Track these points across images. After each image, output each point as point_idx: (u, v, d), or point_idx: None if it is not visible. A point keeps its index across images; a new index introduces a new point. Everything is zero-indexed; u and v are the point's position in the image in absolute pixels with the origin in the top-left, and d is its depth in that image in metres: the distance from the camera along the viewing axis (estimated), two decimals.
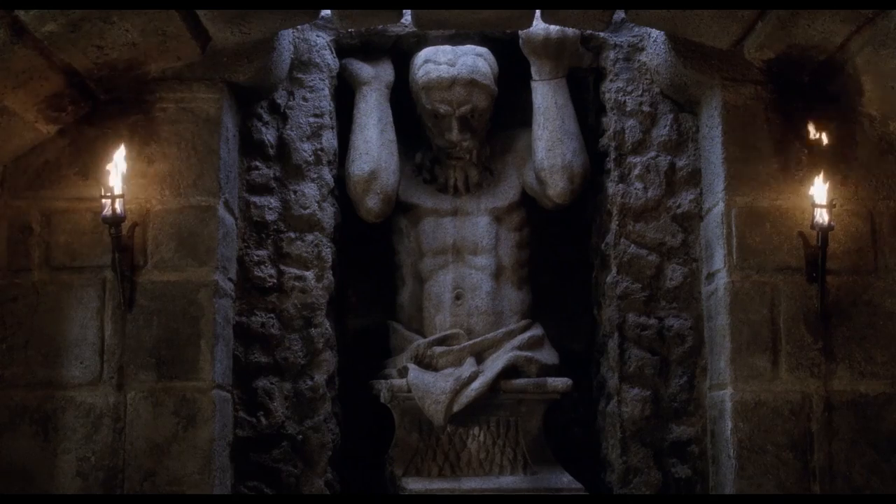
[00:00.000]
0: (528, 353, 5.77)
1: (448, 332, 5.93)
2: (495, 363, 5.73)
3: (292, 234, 5.44)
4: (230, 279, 5.21)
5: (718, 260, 5.14)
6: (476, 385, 5.63)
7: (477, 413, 5.72)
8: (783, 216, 5.09)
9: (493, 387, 5.66)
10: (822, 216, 4.90)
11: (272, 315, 5.37)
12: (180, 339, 4.89)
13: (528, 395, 5.74)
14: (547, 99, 5.86)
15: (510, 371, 5.72)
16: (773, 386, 4.98)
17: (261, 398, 5.29)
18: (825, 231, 4.91)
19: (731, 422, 4.96)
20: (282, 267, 5.41)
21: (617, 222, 5.49)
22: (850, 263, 5.08)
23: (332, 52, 5.68)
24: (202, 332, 4.90)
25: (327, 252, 5.46)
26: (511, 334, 5.88)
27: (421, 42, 5.87)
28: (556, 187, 5.81)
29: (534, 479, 5.65)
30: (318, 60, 5.61)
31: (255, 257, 5.40)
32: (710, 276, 5.27)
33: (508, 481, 5.64)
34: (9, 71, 4.42)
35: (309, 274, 5.41)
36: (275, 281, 5.39)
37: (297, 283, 5.40)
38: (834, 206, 4.93)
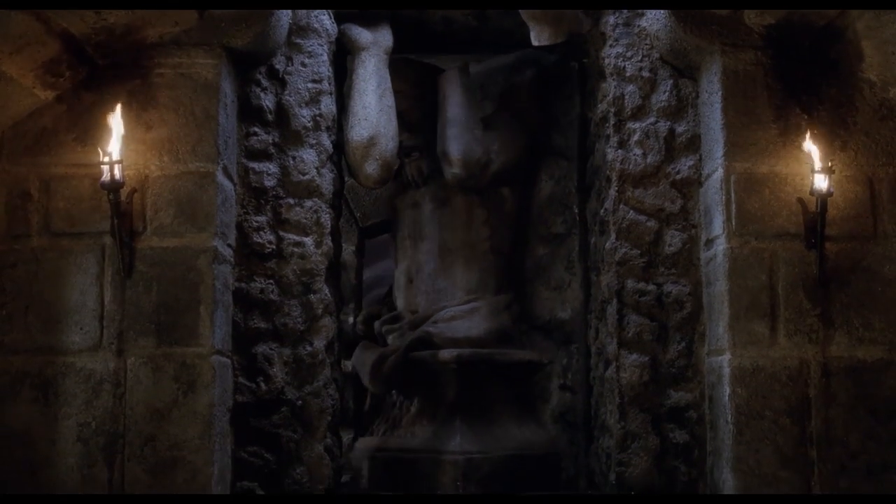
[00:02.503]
0: (433, 328, 6.39)
1: (397, 311, 6.74)
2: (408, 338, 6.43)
3: (291, 200, 5.44)
4: (229, 245, 5.21)
5: (717, 226, 5.14)
6: (391, 359, 6.32)
7: (417, 381, 6.40)
8: (782, 182, 5.08)
9: (405, 358, 6.31)
10: (821, 182, 4.89)
11: (271, 281, 5.37)
12: (180, 305, 4.89)
13: (432, 366, 6.31)
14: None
15: (418, 344, 6.35)
16: (772, 352, 5.00)
17: (260, 364, 5.31)
18: (824, 197, 4.91)
19: (729, 387, 4.98)
20: (281, 233, 5.41)
21: (616, 188, 5.48)
22: (849, 230, 5.08)
23: (330, 18, 5.66)
24: (201, 297, 4.90)
25: (326, 218, 5.46)
26: (442, 310, 6.53)
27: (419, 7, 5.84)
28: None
29: (434, 440, 6.17)
30: (316, 26, 5.58)
31: (254, 223, 5.40)
32: (709, 242, 5.27)
33: (415, 441, 6.25)
34: (6, 36, 4.40)
35: (308, 240, 5.41)
36: (274, 247, 5.39)
37: (296, 249, 5.40)
38: (833, 172, 4.92)
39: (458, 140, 6.38)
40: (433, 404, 6.43)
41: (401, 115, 6.21)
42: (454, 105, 6.45)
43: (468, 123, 6.43)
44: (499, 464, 6.13)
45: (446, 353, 6.25)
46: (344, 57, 6.01)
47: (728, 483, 4.95)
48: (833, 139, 5.04)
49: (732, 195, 5.07)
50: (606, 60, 5.59)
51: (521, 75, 6.73)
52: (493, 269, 6.63)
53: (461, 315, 6.53)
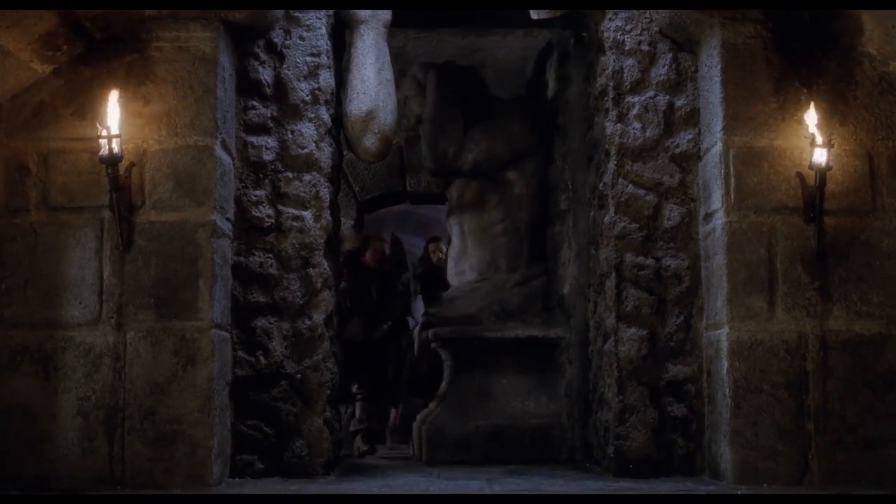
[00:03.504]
0: (435, 310, 7.10)
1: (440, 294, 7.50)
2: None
3: (290, 174, 5.43)
4: (228, 219, 5.21)
5: (716, 200, 5.14)
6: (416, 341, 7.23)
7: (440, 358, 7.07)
8: (781, 156, 5.08)
9: (420, 339, 7.26)
10: (820, 156, 4.89)
11: (270, 255, 5.37)
12: (179, 279, 4.90)
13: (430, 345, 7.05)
14: None
15: (425, 325, 7.14)
16: (770, 326, 5.01)
17: (259, 338, 5.31)
18: (823, 171, 4.90)
19: (727, 361, 4.99)
20: (279, 207, 5.40)
21: (615, 162, 5.47)
22: (848, 204, 5.08)
23: None
24: (200, 272, 4.90)
25: (325, 192, 5.45)
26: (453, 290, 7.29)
27: None
28: None
29: (437, 411, 6.77)
30: None
31: (253, 197, 5.39)
32: (708, 217, 5.27)
33: (433, 413, 6.81)
34: (2, 9, 4.38)
35: (307, 214, 5.41)
36: (273, 221, 5.39)
37: (294, 223, 5.40)
38: (832, 146, 4.91)
39: (426, 137, 6.99)
40: (450, 379, 6.89)
41: (418, 119, 6.90)
42: (429, 104, 7.02)
43: (437, 120, 6.98)
44: (475, 434, 6.52)
45: (430, 333, 6.88)
46: (342, 30, 5.98)
47: (726, 456, 4.97)
48: (832, 113, 5.02)
49: (731, 169, 5.07)
50: (605, 34, 5.57)
51: (545, 67, 7.16)
52: (506, 249, 7.04)
53: (461, 295, 7.00)
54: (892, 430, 4.95)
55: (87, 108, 4.94)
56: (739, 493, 4.62)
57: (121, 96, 4.79)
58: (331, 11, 5.62)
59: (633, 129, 5.47)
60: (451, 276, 7.42)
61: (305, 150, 5.45)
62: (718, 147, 5.12)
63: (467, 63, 7.37)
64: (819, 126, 4.91)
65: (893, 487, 4.74)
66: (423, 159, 7.09)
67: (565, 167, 6.63)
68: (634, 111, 5.48)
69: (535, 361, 6.69)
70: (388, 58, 5.87)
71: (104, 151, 4.70)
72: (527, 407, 6.62)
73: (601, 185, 5.70)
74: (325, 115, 5.51)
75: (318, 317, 5.37)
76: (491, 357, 6.69)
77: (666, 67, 5.50)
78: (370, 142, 5.81)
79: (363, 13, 5.82)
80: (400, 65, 6.64)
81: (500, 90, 7.51)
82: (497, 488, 4.85)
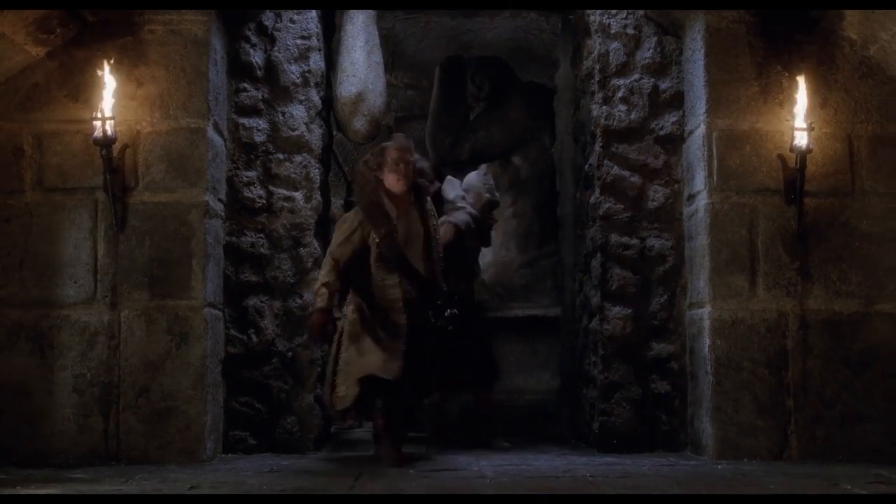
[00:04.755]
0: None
1: None
2: None
3: (281, 156, 5.50)
4: (220, 200, 5.28)
5: (699, 181, 5.22)
6: None
7: None
8: (763, 139, 5.16)
9: None
10: (800, 139, 4.97)
11: (262, 235, 5.44)
12: (172, 258, 4.97)
13: None
14: None
15: None
16: (751, 304, 5.10)
17: (251, 316, 5.40)
18: (804, 154, 4.98)
19: (709, 339, 5.09)
20: (271, 188, 5.47)
21: (601, 144, 5.55)
22: (828, 186, 5.16)
23: None
24: (193, 251, 4.98)
25: (315, 173, 5.52)
26: None
27: None
28: None
29: None
30: None
31: (245, 178, 5.46)
32: (691, 198, 5.36)
33: None
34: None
35: (297, 195, 5.48)
36: (264, 202, 5.46)
37: (285, 204, 5.47)
38: (813, 129, 4.99)
39: (428, 129, 7.35)
40: None
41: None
42: (433, 98, 7.35)
43: (436, 113, 7.33)
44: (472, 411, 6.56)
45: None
46: (333, 13, 6.03)
47: (707, 432, 5.07)
48: (813, 96, 5.09)
49: (714, 151, 5.15)
50: (591, 17, 5.63)
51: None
52: (516, 232, 7.32)
53: (490, 276, 7.18)
54: (869, 407, 5.07)
55: (81, 91, 5.00)
56: (720, 467, 4.73)
57: (114, 79, 4.84)
58: None
59: (619, 111, 5.54)
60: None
61: (296, 132, 5.51)
62: (702, 129, 5.20)
63: (456, 46, 7.45)
64: (800, 109, 4.99)
65: (869, 463, 4.84)
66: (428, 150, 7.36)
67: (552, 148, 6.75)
68: (620, 94, 5.56)
69: (541, 340, 6.83)
70: (377, 40, 5.93)
71: (98, 133, 4.77)
72: (528, 384, 6.77)
73: (587, 166, 5.78)
74: (315, 97, 5.58)
75: (309, 296, 5.44)
76: (499, 336, 6.76)
77: (651, 51, 5.57)
78: (360, 123, 5.87)
79: None
80: (389, 47, 6.67)
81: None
82: (484, 463, 4.94)
